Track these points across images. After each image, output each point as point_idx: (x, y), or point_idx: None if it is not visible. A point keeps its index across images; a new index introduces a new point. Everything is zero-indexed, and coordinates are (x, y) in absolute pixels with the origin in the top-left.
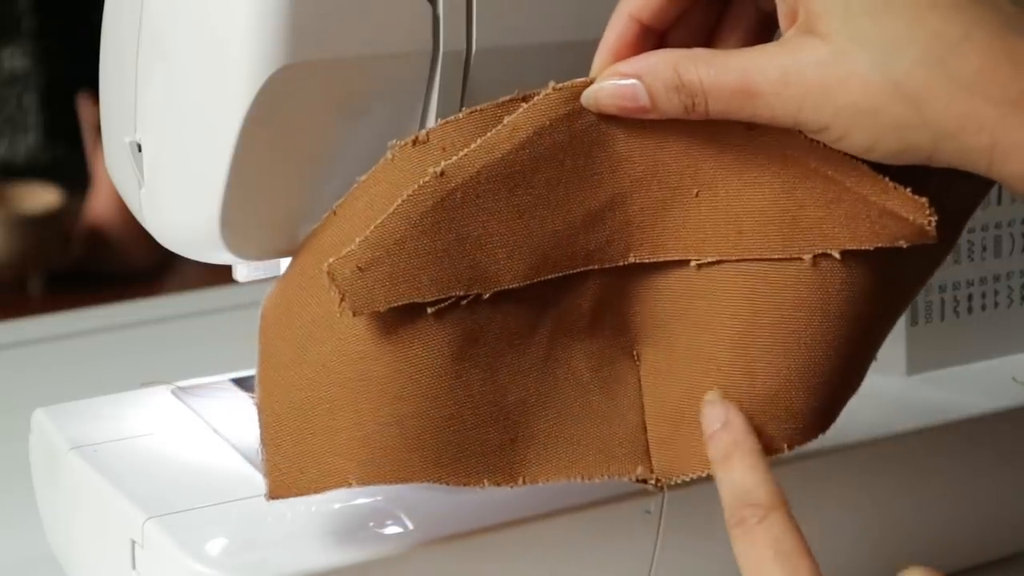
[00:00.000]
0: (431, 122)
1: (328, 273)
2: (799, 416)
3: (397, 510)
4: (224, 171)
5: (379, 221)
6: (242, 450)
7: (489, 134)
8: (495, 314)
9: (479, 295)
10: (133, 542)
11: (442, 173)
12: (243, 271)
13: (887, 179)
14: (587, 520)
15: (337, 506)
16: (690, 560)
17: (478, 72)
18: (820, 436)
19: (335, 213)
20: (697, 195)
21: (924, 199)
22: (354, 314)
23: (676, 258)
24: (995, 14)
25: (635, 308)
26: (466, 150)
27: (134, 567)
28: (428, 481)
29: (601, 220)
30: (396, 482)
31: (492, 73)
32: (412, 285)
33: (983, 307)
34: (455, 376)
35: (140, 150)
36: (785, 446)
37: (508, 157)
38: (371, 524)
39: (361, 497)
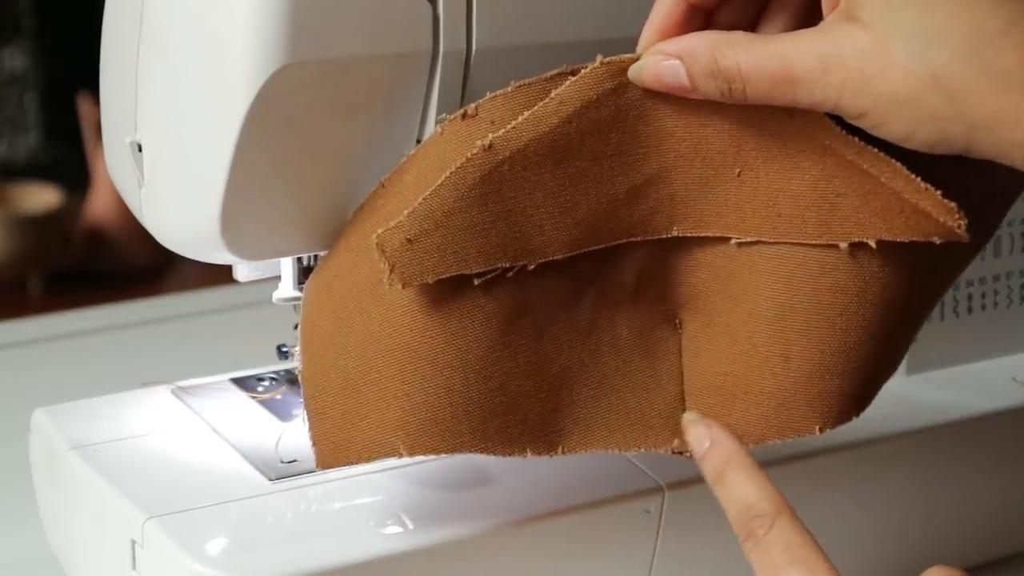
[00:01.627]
0: (431, 122)
1: (377, 244)
2: (832, 399)
3: (397, 510)
4: (224, 171)
5: (427, 193)
6: (242, 450)
7: (536, 107)
8: (541, 285)
9: (525, 266)
10: (133, 542)
11: (490, 146)
12: (243, 271)
13: (919, 179)
14: (587, 520)
15: (337, 506)
16: (690, 560)
17: (478, 72)
18: (826, 432)
19: (383, 186)
20: (739, 175)
21: (954, 204)
22: (403, 286)
23: (717, 234)
24: None
25: (678, 279)
26: (514, 123)
27: (134, 567)
28: (474, 451)
29: (645, 193)
30: (444, 452)
31: (492, 73)
32: (460, 257)
33: (983, 307)
34: (503, 347)
35: (140, 150)
36: (817, 428)
37: (555, 130)
38: (371, 524)
39: (361, 497)
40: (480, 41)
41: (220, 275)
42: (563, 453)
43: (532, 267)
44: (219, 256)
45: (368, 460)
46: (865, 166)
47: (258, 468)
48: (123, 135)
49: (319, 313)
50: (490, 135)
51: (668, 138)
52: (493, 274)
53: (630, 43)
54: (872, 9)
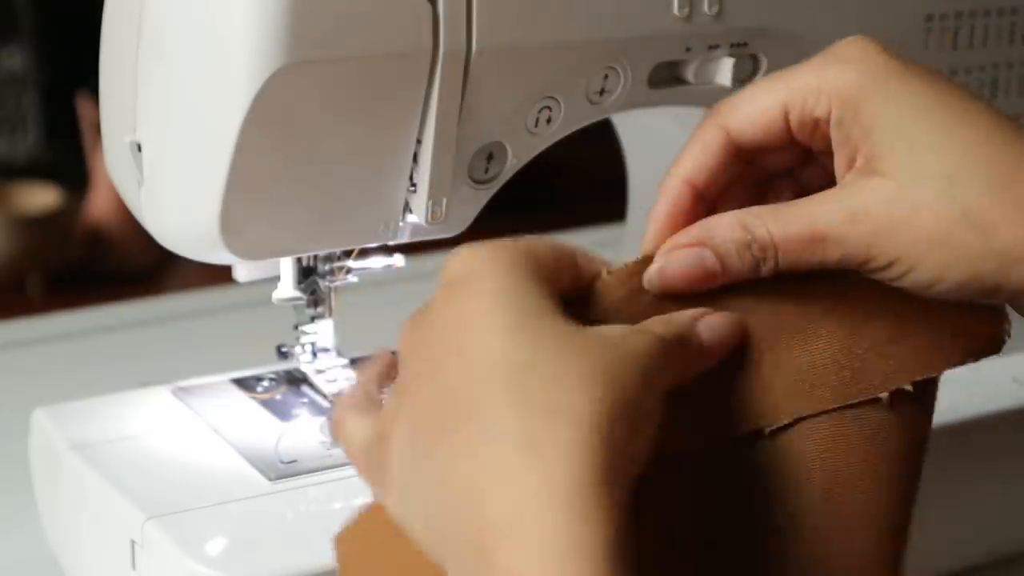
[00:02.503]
0: (431, 122)
1: None
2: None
3: None
4: (224, 171)
5: None
6: (242, 450)
7: None
8: None
9: None
10: (133, 542)
11: None
12: (243, 271)
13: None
14: None
15: (337, 506)
16: None
17: (478, 72)
18: None
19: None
20: (759, 359)
21: (1003, 310)
22: None
23: (750, 430)
24: None
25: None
26: None
27: (134, 567)
28: None
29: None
30: None
31: (492, 73)
32: None
33: None
34: None
35: (140, 150)
36: None
37: None
38: None
39: (361, 497)
40: (480, 41)
41: (220, 275)
42: None
43: None
44: (219, 256)
45: None
46: (896, 307)
47: (258, 468)
48: (123, 135)
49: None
50: None
51: None
52: None
53: (629, 43)
54: (894, 159)
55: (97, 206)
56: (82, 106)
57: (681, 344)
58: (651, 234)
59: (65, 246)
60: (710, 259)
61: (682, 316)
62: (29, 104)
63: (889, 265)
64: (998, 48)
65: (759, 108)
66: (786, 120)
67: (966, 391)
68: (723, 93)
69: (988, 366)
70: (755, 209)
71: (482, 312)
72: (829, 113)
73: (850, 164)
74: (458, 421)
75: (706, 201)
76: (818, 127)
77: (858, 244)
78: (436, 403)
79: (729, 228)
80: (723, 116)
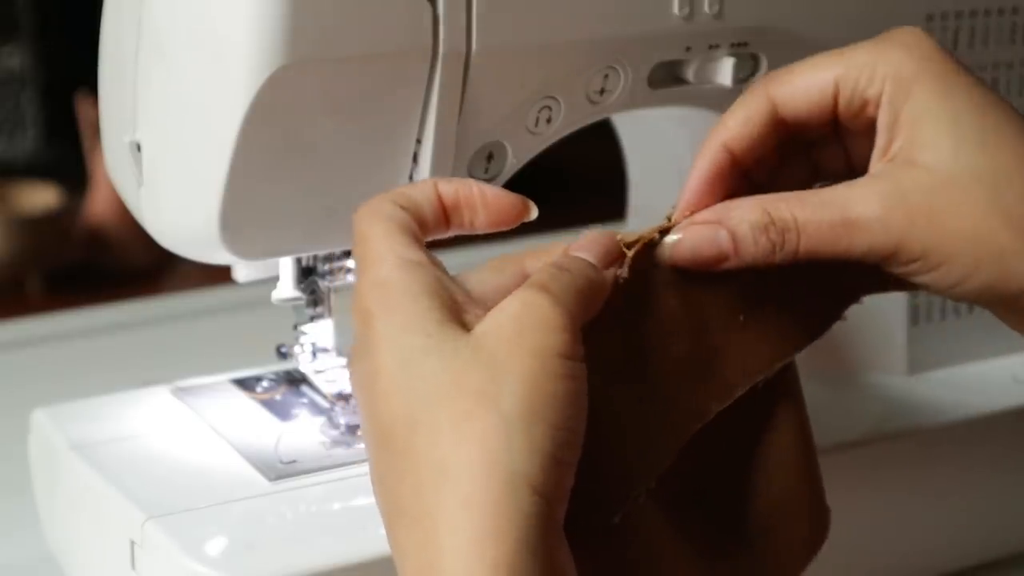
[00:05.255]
0: (431, 122)
1: None
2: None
3: None
4: (224, 171)
5: None
6: (242, 450)
7: None
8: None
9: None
10: (133, 542)
11: None
12: (243, 271)
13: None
14: None
15: (337, 506)
16: None
17: (478, 72)
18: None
19: None
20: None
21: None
22: None
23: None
24: None
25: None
26: None
27: (134, 567)
28: None
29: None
30: None
31: (492, 73)
32: None
33: None
34: None
35: (140, 150)
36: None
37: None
38: (371, 524)
39: (361, 497)
40: (480, 41)
41: (220, 275)
42: None
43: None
44: (218, 256)
45: None
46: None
47: (258, 468)
48: (122, 135)
49: None
50: None
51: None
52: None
53: (629, 43)
54: (937, 152)
55: (97, 206)
56: (82, 106)
57: (575, 273)
58: (685, 196)
59: (65, 246)
60: (724, 239)
61: (555, 248)
62: (29, 104)
63: (919, 258)
64: (998, 48)
65: (811, 82)
66: (835, 97)
67: (966, 391)
68: (723, 93)
69: (988, 366)
70: (781, 195)
71: (380, 369)
72: (881, 94)
73: (887, 149)
74: (387, 493)
75: (742, 169)
76: (865, 108)
77: (889, 234)
78: (376, 469)
79: (749, 209)
80: (772, 87)
